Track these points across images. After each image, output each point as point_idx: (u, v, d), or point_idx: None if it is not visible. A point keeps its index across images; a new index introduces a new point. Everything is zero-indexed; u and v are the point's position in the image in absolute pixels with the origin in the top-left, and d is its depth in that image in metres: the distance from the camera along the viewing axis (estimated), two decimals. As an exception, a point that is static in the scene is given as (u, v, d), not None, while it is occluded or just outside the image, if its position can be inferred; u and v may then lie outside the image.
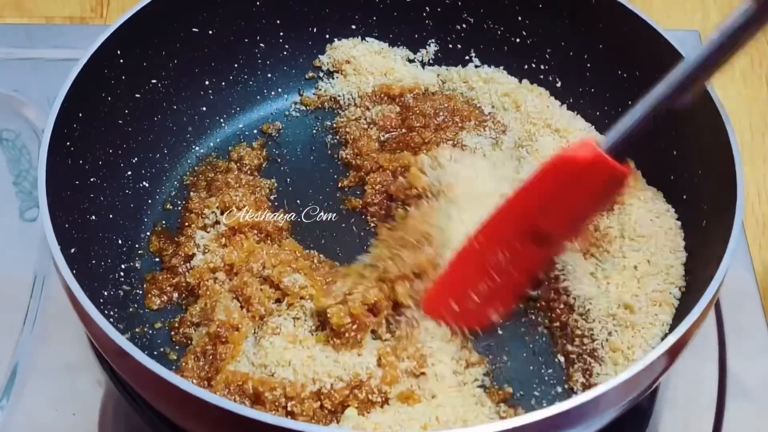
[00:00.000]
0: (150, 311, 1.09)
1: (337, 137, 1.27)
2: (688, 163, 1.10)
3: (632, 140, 0.96)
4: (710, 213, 1.04)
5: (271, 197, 1.19)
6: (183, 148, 1.24)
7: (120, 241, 1.13)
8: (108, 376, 1.06)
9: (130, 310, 1.09)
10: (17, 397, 1.08)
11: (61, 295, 0.94)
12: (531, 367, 1.05)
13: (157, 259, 1.14)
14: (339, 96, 1.30)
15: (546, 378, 1.04)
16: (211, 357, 1.01)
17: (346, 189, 1.21)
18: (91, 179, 1.10)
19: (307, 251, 1.13)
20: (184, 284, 1.10)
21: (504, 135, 1.23)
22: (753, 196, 1.37)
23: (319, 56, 1.32)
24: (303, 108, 1.30)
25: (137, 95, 1.17)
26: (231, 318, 1.02)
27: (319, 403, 0.96)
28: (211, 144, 1.26)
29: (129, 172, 1.17)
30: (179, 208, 1.19)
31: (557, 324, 1.06)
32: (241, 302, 1.05)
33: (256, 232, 1.13)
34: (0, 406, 1.07)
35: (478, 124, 1.24)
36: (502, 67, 1.30)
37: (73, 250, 0.98)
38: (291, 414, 0.95)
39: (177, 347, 1.06)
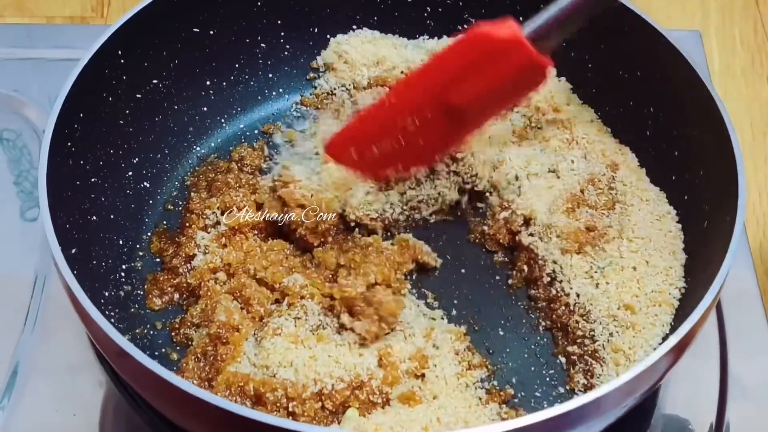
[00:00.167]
0: (151, 312, 1.09)
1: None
2: (690, 164, 1.10)
3: (554, 31, 0.95)
4: (711, 213, 1.04)
5: (271, 197, 1.19)
6: (184, 149, 1.24)
7: (121, 242, 1.13)
8: (109, 377, 1.06)
9: (131, 310, 1.09)
10: (18, 397, 1.07)
11: (62, 296, 0.94)
12: (532, 368, 1.05)
13: (157, 260, 1.14)
14: (335, 91, 1.30)
15: (547, 379, 1.04)
16: (211, 358, 1.01)
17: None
18: (92, 179, 1.10)
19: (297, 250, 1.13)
20: (184, 285, 1.10)
21: None
22: (754, 197, 1.37)
23: (317, 58, 1.32)
24: (303, 108, 1.30)
25: (138, 95, 1.17)
26: (231, 319, 1.02)
27: (320, 403, 0.96)
28: (212, 144, 1.26)
29: (130, 173, 1.17)
30: (180, 208, 1.18)
31: (558, 325, 1.06)
32: (241, 303, 1.06)
33: (256, 232, 1.13)
34: (1, 407, 1.07)
35: None
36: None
37: (73, 251, 0.98)
38: (292, 415, 0.95)
39: (178, 348, 1.06)
